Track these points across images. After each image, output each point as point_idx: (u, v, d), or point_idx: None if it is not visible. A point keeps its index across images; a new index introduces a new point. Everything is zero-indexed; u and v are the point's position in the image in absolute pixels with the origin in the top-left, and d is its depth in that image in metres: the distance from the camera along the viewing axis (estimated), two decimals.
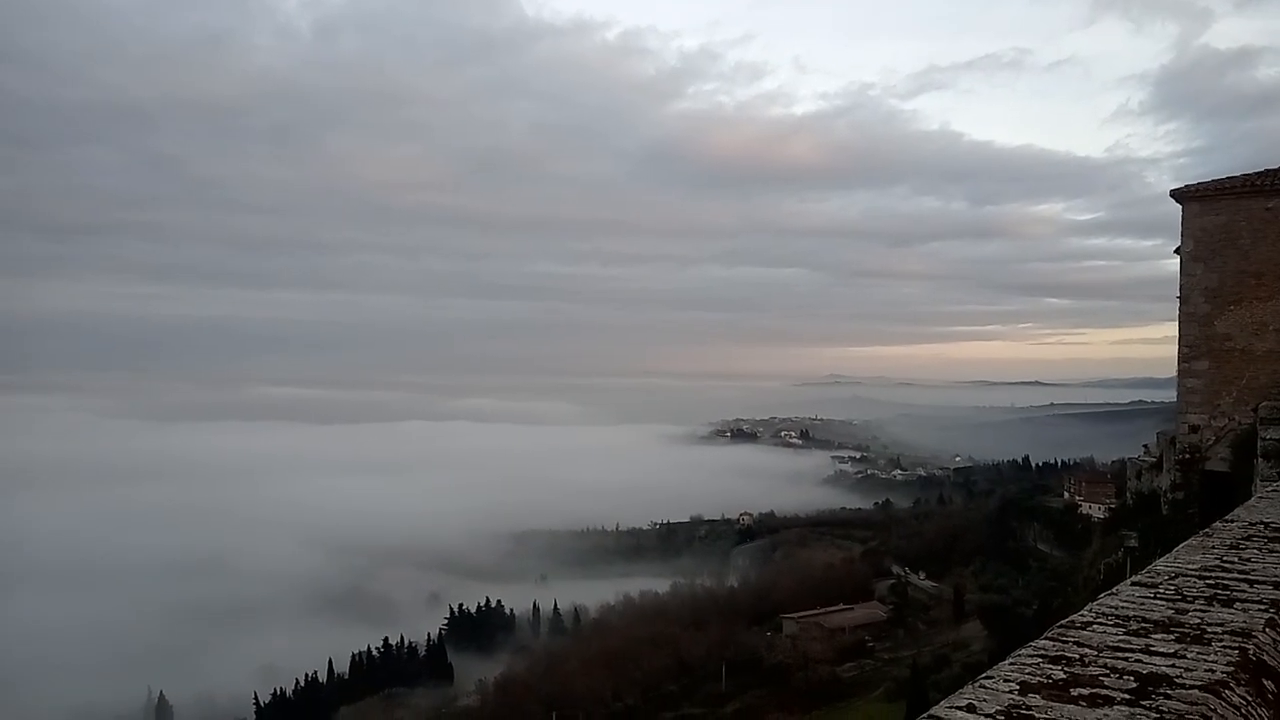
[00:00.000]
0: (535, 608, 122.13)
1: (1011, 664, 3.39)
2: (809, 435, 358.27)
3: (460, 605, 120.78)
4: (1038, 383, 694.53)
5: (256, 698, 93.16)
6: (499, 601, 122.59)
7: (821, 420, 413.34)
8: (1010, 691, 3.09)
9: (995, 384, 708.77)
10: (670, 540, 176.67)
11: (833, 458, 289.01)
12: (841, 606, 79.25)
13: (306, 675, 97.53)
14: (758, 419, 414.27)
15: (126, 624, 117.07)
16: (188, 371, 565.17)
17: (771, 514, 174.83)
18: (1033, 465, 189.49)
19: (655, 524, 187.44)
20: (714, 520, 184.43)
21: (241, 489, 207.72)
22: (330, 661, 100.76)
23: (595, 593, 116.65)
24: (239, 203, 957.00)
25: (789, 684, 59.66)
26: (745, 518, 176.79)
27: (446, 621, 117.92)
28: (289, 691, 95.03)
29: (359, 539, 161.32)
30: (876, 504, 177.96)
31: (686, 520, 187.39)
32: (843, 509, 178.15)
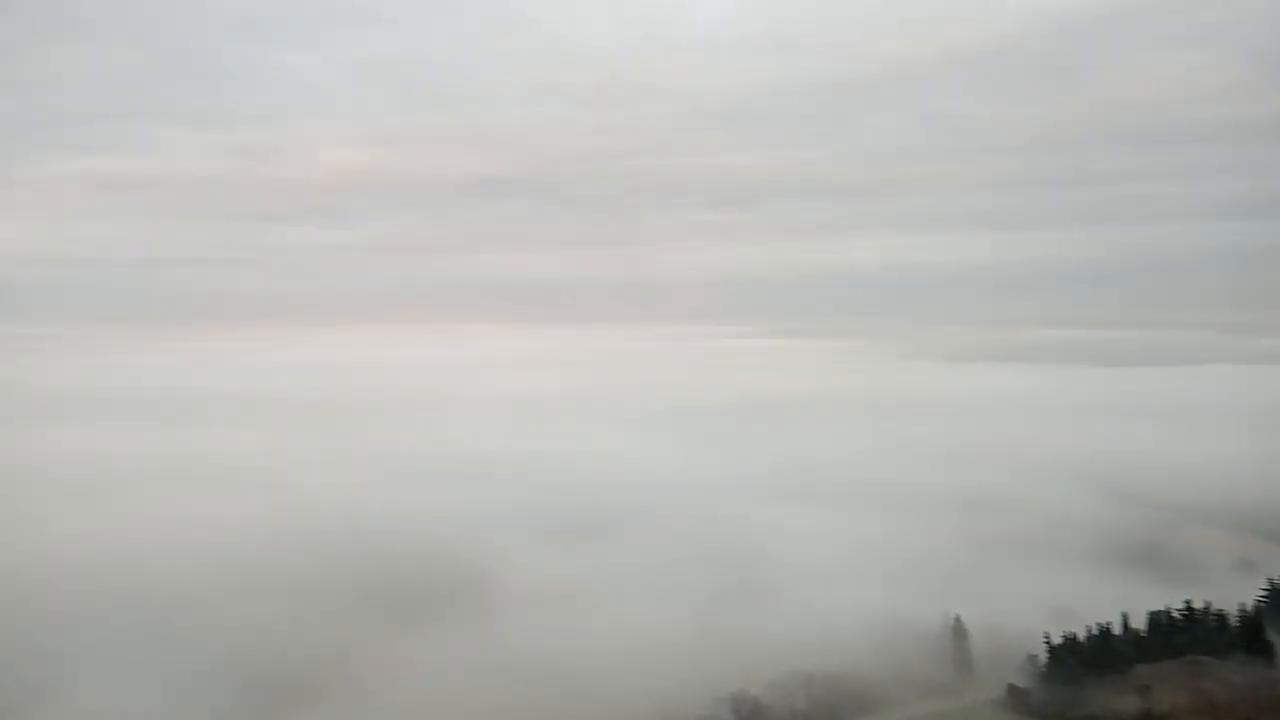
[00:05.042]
0: None
1: None
2: None
3: None
4: None
5: (1047, 637, 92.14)
6: None
7: None
8: None
9: None
10: None
11: None
12: None
13: (1098, 624, 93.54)
14: None
15: (915, 547, 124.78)
16: (961, 315, 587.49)
17: None
18: None
19: None
20: None
21: (1020, 429, 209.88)
22: (1125, 616, 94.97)
23: None
24: (997, 146, 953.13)
25: None
26: None
27: (1265, 593, 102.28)
28: (1079, 637, 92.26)
29: (1150, 490, 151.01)
30: None
31: None
32: None
